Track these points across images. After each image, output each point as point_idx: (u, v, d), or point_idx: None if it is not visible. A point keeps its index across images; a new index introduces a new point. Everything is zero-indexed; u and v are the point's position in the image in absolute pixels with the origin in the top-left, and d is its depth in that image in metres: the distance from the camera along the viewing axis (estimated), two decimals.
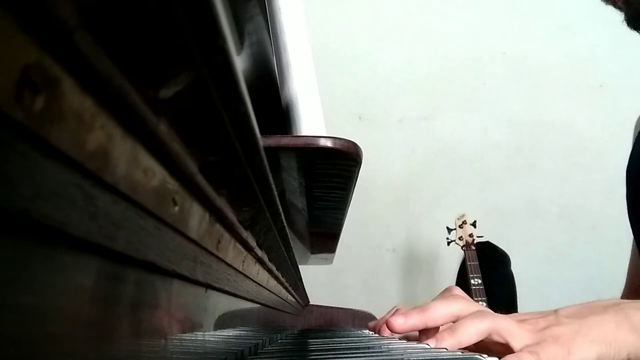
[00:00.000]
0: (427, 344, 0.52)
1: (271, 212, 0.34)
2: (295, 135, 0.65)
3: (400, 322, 0.54)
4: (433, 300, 0.61)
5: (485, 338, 0.51)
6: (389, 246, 2.36)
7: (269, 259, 0.48)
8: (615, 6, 0.80)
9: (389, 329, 0.56)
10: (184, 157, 0.20)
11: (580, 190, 2.32)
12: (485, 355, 0.46)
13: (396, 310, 0.62)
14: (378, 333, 0.68)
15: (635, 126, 0.95)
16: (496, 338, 0.50)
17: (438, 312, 0.55)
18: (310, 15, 0.79)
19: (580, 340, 0.48)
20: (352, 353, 0.51)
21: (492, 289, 1.86)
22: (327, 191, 0.75)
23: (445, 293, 0.63)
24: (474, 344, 0.53)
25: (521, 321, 0.52)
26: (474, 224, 1.98)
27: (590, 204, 2.27)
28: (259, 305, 0.60)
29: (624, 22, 0.78)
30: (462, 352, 0.50)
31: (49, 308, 0.14)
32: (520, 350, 0.48)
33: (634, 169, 0.89)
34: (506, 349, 0.50)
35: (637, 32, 0.79)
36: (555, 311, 0.53)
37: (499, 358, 0.45)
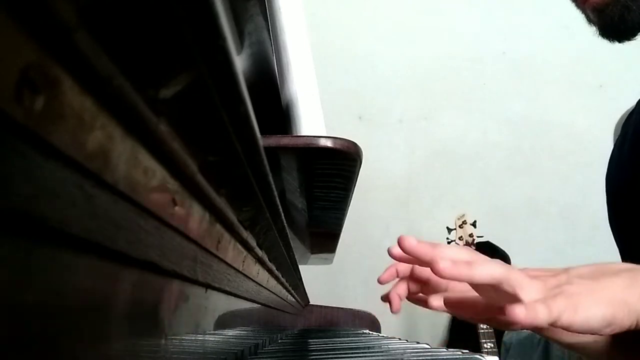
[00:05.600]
0: (427, 344, 0.52)
1: (271, 212, 0.34)
2: (295, 135, 0.65)
3: (446, 266, 0.50)
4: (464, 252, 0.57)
5: (495, 288, 0.50)
6: (389, 246, 2.35)
7: (269, 259, 0.48)
8: (586, 16, 0.78)
9: (433, 267, 0.51)
10: (184, 157, 0.20)
11: (580, 190, 2.32)
12: (485, 356, 0.46)
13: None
14: (389, 296, 0.65)
15: (614, 132, 0.95)
16: (506, 287, 0.49)
17: (484, 273, 0.51)
18: (310, 15, 0.78)
19: (589, 299, 0.48)
20: (352, 353, 0.51)
21: None
22: (327, 191, 0.75)
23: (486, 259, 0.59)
24: (482, 297, 0.52)
25: (533, 277, 0.52)
26: (474, 224, 1.98)
27: (590, 204, 2.27)
28: (259, 305, 0.60)
29: (596, 33, 0.77)
30: (462, 352, 0.50)
31: (49, 308, 0.14)
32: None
33: (613, 174, 0.89)
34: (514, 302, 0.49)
35: (610, 41, 0.77)
36: (567, 270, 0.53)
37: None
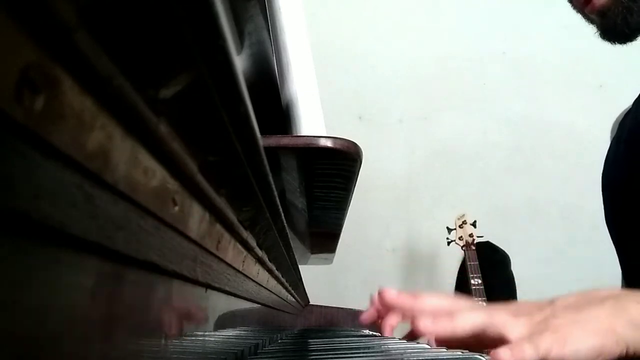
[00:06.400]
0: (427, 344, 0.52)
1: (271, 212, 0.34)
2: (295, 135, 0.65)
3: (427, 325, 0.52)
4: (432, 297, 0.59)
5: (481, 335, 0.50)
6: (389, 246, 2.36)
7: (269, 259, 0.48)
8: (586, 18, 0.78)
9: (414, 326, 0.53)
10: (184, 157, 0.20)
11: (580, 190, 2.31)
12: (485, 356, 0.46)
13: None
14: (378, 327, 0.67)
15: (611, 131, 0.95)
16: (491, 332, 0.49)
17: (465, 324, 0.52)
18: (310, 15, 0.78)
19: (576, 330, 0.48)
20: (352, 353, 0.51)
21: (492, 289, 1.85)
22: (327, 191, 0.75)
23: (465, 302, 0.60)
24: (471, 343, 0.52)
25: (517, 314, 0.52)
26: (474, 224, 1.98)
27: (590, 204, 2.26)
28: (259, 305, 0.60)
29: (597, 34, 0.77)
30: (462, 352, 0.50)
31: (48, 308, 0.14)
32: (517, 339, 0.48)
33: (608, 173, 0.89)
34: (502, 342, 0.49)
35: (611, 43, 0.77)
36: (552, 302, 0.53)
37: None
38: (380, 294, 0.56)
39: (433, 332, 0.49)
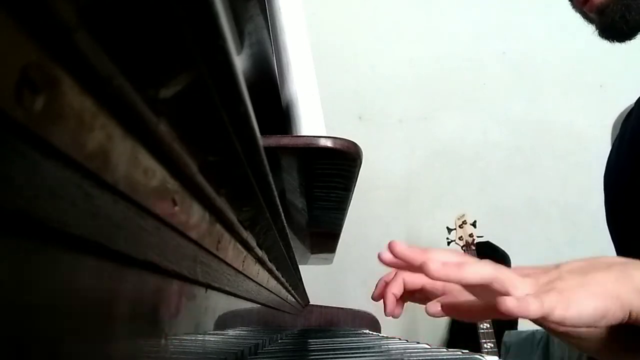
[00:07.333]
0: (427, 344, 0.52)
1: (271, 212, 0.34)
2: (295, 135, 0.65)
3: (437, 268, 0.51)
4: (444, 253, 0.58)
5: (487, 288, 0.50)
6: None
7: (269, 259, 0.48)
8: (585, 17, 0.79)
9: (424, 269, 0.52)
10: (184, 157, 0.20)
11: (580, 190, 2.31)
12: (485, 356, 0.46)
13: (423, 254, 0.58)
14: (383, 294, 0.65)
15: (612, 130, 0.95)
16: (497, 286, 0.49)
17: (474, 273, 0.52)
18: (310, 15, 0.78)
19: (580, 293, 0.48)
20: (352, 353, 0.51)
21: None
22: (327, 191, 0.75)
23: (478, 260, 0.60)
24: (477, 298, 0.52)
25: (524, 275, 0.52)
26: (474, 224, 1.98)
27: (590, 204, 2.26)
28: (259, 305, 0.60)
29: (596, 33, 0.78)
30: (462, 352, 0.50)
31: (49, 308, 0.14)
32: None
33: (611, 173, 0.89)
34: None
35: (610, 41, 0.78)
36: (558, 266, 0.53)
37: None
38: (390, 245, 0.54)
39: (442, 275, 0.49)
